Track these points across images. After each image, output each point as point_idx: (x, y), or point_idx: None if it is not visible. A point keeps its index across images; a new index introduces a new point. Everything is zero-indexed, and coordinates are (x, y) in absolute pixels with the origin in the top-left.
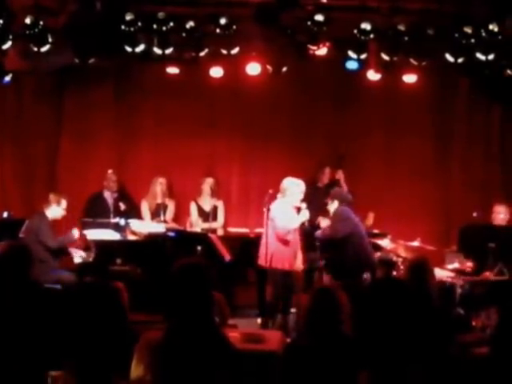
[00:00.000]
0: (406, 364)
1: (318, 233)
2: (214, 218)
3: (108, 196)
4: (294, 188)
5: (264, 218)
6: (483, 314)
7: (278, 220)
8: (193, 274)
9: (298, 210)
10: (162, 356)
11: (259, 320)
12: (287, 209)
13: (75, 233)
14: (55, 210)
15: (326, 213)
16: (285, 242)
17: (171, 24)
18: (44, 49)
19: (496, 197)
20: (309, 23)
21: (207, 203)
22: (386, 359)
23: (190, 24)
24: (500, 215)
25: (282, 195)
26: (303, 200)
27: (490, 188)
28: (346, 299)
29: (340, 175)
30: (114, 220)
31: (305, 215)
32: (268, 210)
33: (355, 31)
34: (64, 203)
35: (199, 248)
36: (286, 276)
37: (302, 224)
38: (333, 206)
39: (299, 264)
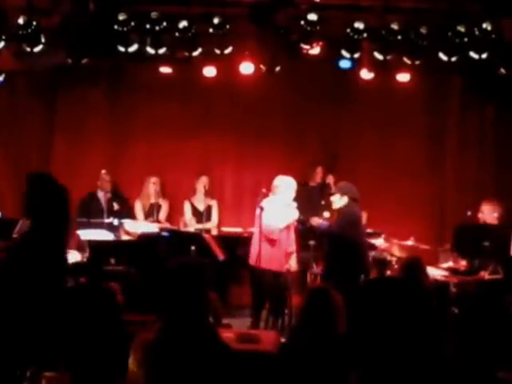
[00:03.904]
0: (398, 364)
1: (323, 224)
2: (208, 218)
3: (101, 196)
4: (285, 186)
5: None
6: None
7: (264, 219)
8: (190, 273)
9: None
10: (155, 355)
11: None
12: (277, 208)
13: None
14: None
15: (318, 212)
16: (271, 242)
17: (164, 24)
18: (37, 49)
19: (488, 196)
20: (302, 22)
21: (201, 203)
22: (379, 360)
23: (183, 24)
24: (491, 214)
25: (273, 193)
26: (295, 199)
27: (483, 187)
28: (341, 300)
29: (330, 179)
30: (107, 220)
31: (294, 215)
32: (261, 209)
33: (348, 30)
34: None
35: (193, 248)
36: (274, 277)
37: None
38: (341, 201)
39: (294, 265)
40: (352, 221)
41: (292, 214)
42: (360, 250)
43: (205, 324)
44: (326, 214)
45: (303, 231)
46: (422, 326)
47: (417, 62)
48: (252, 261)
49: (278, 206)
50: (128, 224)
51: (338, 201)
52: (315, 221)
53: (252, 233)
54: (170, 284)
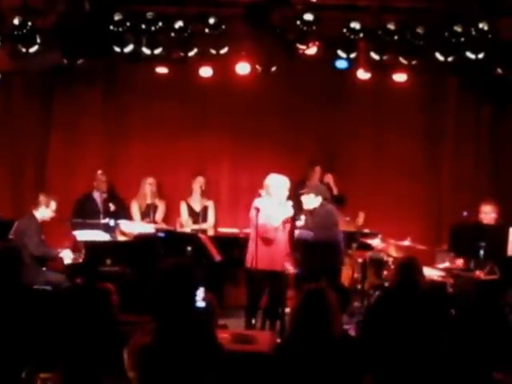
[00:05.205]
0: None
1: (306, 234)
2: (205, 218)
3: (97, 197)
4: (277, 185)
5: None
6: None
7: (259, 219)
8: (178, 275)
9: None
10: (150, 358)
11: (253, 320)
12: (270, 206)
13: (63, 254)
14: (44, 212)
15: None
16: (267, 242)
17: (160, 24)
18: (32, 49)
19: (485, 196)
20: (298, 22)
21: (197, 203)
22: (386, 361)
23: (179, 24)
24: (491, 214)
25: (265, 193)
26: (293, 199)
27: (480, 187)
28: (336, 299)
29: (329, 178)
30: (103, 221)
31: (287, 212)
32: (257, 210)
33: (344, 30)
34: (53, 205)
35: (189, 248)
36: (271, 277)
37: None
38: (314, 200)
39: (289, 267)
40: (333, 219)
41: (286, 212)
42: (339, 246)
43: (197, 324)
44: (300, 222)
45: None
46: (419, 326)
47: (413, 62)
48: (248, 263)
49: (272, 205)
50: (124, 225)
51: (312, 201)
52: (296, 233)
53: (248, 234)
54: (160, 285)
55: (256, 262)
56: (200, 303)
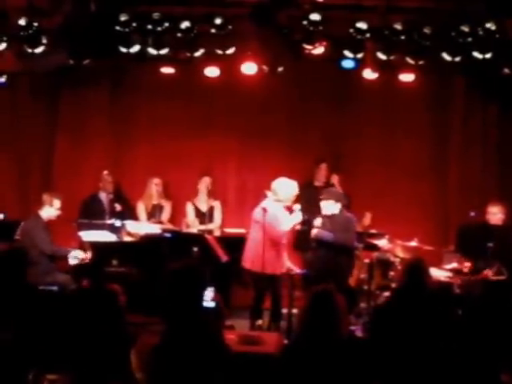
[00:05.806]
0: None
1: (327, 235)
2: (211, 219)
3: (103, 197)
4: (284, 190)
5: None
6: None
7: (269, 222)
8: (186, 276)
9: (291, 210)
10: (158, 358)
11: (259, 321)
12: (278, 210)
13: (73, 255)
14: (48, 211)
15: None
16: (276, 245)
17: (166, 24)
18: (38, 50)
19: (492, 197)
20: (305, 22)
21: (204, 203)
22: (396, 363)
23: (185, 24)
24: (498, 215)
25: (273, 196)
26: (298, 201)
27: (487, 188)
28: (343, 301)
29: (335, 179)
30: (109, 221)
31: (297, 218)
32: (264, 210)
33: (351, 30)
34: (57, 203)
35: (195, 249)
36: (271, 279)
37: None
38: (334, 207)
39: (293, 267)
40: (352, 226)
41: (296, 216)
42: (354, 251)
43: (205, 326)
44: (318, 222)
45: (308, 232)
46: (426, 327)
47: (420, 62)
48: (248, 264)
49: (280, 210)
50: (130, 225)
51: (332, 207)
52: (314, 232)
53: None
54: (168, 287)
55: (261, 265)
56: (208, 303)
